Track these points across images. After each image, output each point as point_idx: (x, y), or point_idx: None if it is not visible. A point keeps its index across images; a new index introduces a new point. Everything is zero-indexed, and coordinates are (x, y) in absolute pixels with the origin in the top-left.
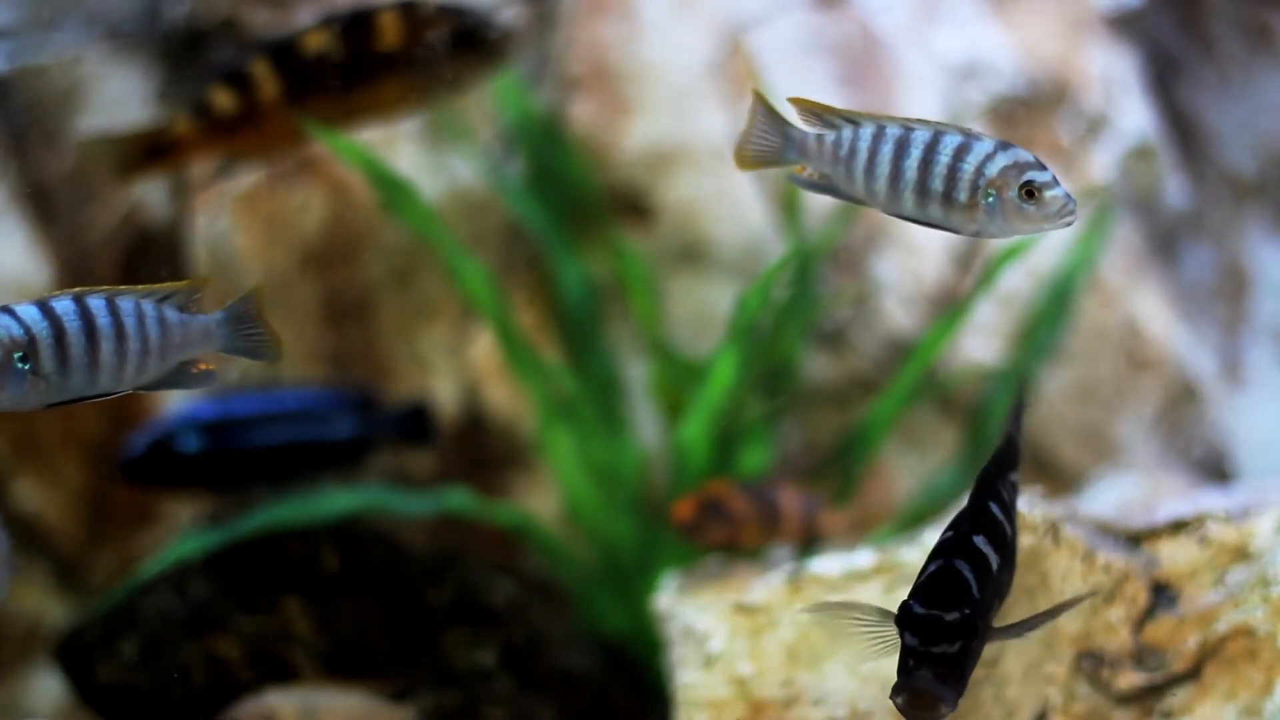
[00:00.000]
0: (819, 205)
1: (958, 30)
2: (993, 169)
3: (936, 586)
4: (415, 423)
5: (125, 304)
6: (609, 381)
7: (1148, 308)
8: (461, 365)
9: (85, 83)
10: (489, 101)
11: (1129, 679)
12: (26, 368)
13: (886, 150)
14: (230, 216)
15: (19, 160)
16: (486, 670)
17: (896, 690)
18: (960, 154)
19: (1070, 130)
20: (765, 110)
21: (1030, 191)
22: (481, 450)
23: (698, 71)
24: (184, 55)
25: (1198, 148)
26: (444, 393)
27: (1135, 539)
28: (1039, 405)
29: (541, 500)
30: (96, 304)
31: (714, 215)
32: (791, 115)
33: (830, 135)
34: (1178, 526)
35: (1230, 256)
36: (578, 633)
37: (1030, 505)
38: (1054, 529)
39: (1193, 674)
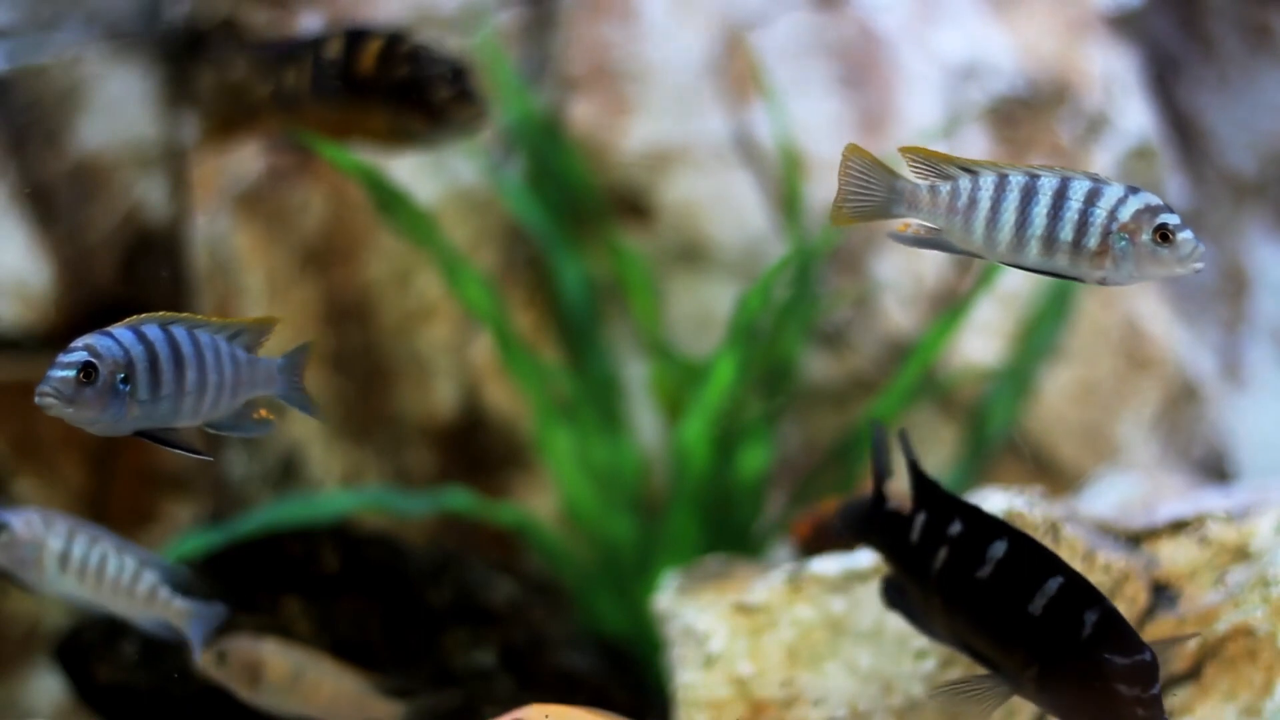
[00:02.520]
0: (819, 206)
1: (958, 30)
2: (1126, 213)
3: (1119, 633)
4: None
5: (204, 337)
6: (609, 381)
7: (1148, 308)
8: (461, 365)
9: (85, 83)
10: (489, 102)
11: None
12: (126, 389)
13: (1012, 198)
14: (230, 216)
15: (19, 160)
16: (486, 670)
17: None
18: (1092, 199)
19: (1070, 130)
20: (867, 162)
21: (1165, 235)
22: (481, 450)
23: (698, 71)
24: (184, 55)
25: (1198, 148)
26: (444, 393)
27: (1135, 539)
28: (1039, 405)
29: (541, 500)
30: (180, 333)
31: (714, 215)
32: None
33: (944, 186)
34: (1178, 526)
35: (1230, 256)
36: (578, 633)
37: (1030, 505)
38: (1054, 529)
39: (1193, 674)
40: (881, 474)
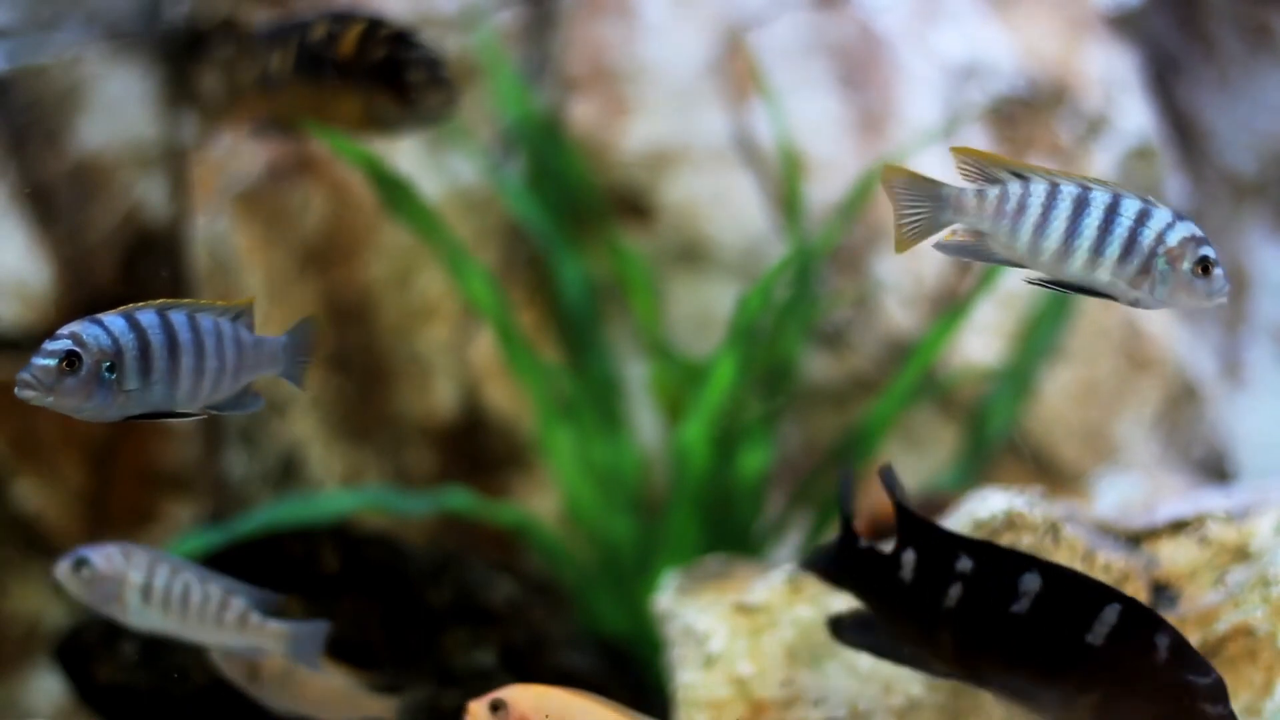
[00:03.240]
0: (819, 206)
1: (958, 30)
2: (1173, 238)
3: (1191, 655)
4: None
5: (205, 321)
6: (609, 381)
7: None
8: (461, 365)
9: (85, 83)
10: (489, 101)
11: None
12: (113, 378)
13: (1063, 208)
14: (230, 216)
15: (19, 160)
16: (486, 670)
17: None
18: (1141, 219)
19: (1070, 130)
20: (908, 178)
21: (1204, 267)
22: (481, 450)
23: (698, 71)
24: (184, 55)
25: (1198, 148)
26: (444, 393)
27: (1135, 539)
28: (1039, 405)
29: (541, 500)
30: (179, 319)
31: (714, 215)
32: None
33: (993, 189)
34: (1178, 526)
35: (1230, 256)
36: (578, 633)
37: (1030, 505)
38: (1054, 529)
39: None
40: (849, 516)
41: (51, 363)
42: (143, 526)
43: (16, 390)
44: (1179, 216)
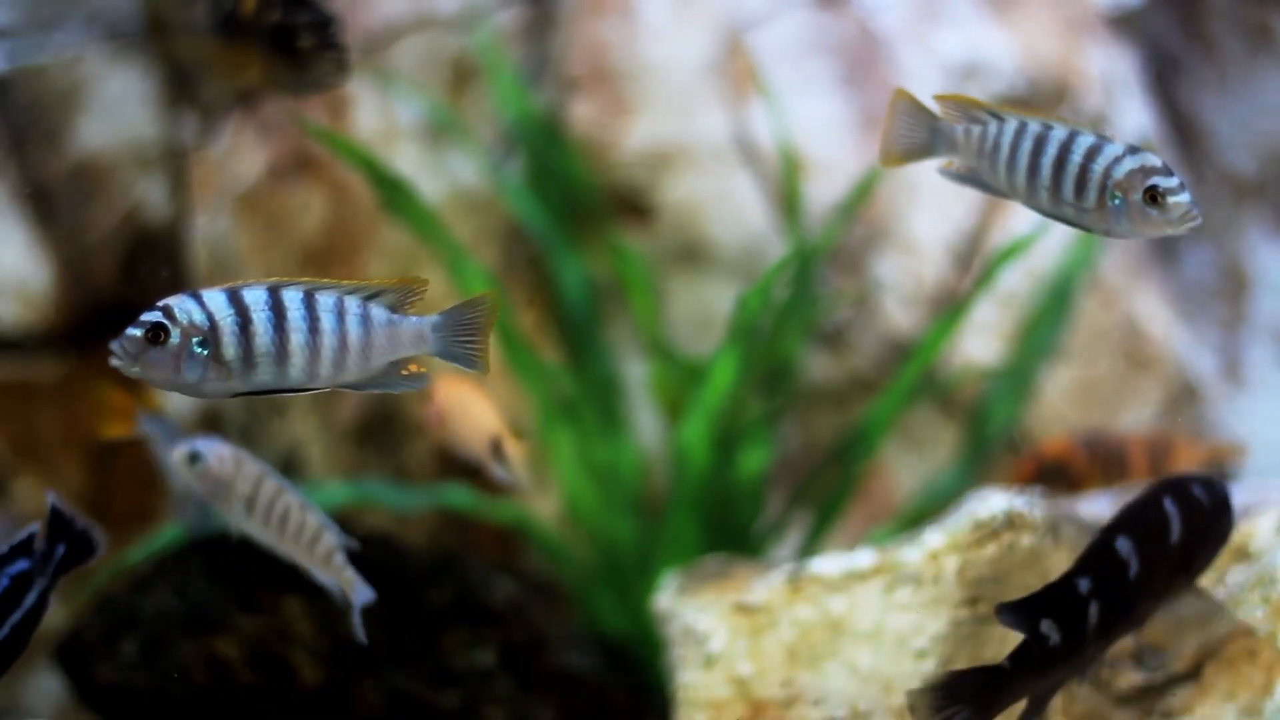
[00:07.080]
0: (819, 206)
1: (958, 30)
2: (1119, 172)
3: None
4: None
5: (324, 299)
6: (609, 381)
7: (1148, 308)
8: None
9: (85, 83)
10: (489, 101)
11: (1129, 679)
12: (204, 353)
13: (1026, 146)
14: (230, 216)
15: (19, 160)
16: (486, 670)
17: None
18: (1091, 155)
19: None
20: (910, 105)
21: (1154, 196)
22: None
23: (698, 71)
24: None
25: (1198, 148)
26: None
27: None
28: (1039, 405)
29: (541, 500)
30: (291, 296)
31: (714, 215)
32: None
33: (977, 128)
34: None
35: (1230, 256)
36: (578, 633)
37: (1030, 505)
38: (1054, 529)
39: (1193, 674)
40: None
41: (138, 333)
42: (143, 526)
43: (110, 359)
44: (1131, 150)
